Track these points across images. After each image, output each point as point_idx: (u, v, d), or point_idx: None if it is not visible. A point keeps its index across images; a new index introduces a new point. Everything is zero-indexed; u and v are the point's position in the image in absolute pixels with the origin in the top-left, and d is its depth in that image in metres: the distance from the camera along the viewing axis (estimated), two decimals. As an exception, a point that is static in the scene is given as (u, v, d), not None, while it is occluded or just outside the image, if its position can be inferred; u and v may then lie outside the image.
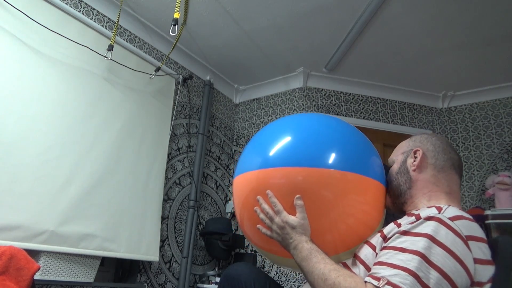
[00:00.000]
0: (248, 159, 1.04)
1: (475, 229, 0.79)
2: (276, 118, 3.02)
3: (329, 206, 0.91)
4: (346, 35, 2.41)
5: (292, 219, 0.91)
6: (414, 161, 0.99)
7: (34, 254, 1.62)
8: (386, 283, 0.73)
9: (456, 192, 0.96)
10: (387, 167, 1.08)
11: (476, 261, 0.75)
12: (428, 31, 2.33)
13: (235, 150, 3.17)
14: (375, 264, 0.81)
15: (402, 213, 1.01)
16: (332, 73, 2.90)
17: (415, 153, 0.99)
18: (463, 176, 2.80)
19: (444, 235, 0.75)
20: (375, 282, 0.74)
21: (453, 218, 0.79)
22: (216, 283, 2.46)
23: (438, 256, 0.73)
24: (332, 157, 0.93)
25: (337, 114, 2.93)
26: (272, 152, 0.97)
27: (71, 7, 2.01)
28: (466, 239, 0.76)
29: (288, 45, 2.60)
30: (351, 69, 2.83)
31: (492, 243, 0.85)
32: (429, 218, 0.80)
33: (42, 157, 1.72)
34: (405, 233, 0.80)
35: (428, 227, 0.78)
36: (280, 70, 2.94)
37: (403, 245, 0.78)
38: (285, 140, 0.98)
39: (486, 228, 2.29)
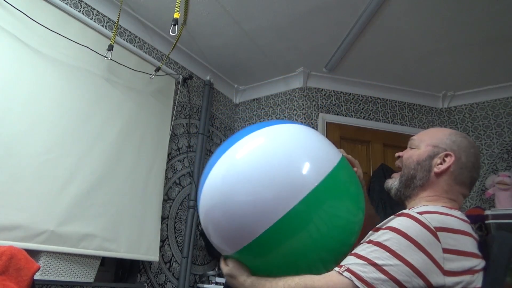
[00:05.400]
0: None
1: (449, 222, 0.79)
2: (276, 118, 3.02)
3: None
4: (346, 35, 2.41)
5: (224, 268, 0.94)
6: (441, 164, 0.93)
7: (34, 254, 1.62)
8: (346, 270, 0.77)
9: (460, 201, 0.94)
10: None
11: (447, 250, 0.75)
12: (428, 31, 2.33)
13: (235, 150, 3.16)
14: None
15: (399, 200, 1.02)
16: (332, 73, 2.90)
17: (446, 156, 0.93)
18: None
19: (409, 226, 0.77)
20: (337, 269, 0.79)
21: (422, 213, 0.80)
22: (216, 283, 2.46)
23: (401, 245, 0.75)
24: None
25: (337, 114, 2.93)
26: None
27: (71, 7, 2.01)
28: (435, 230, 0.76)
29: (288, 45, 2.60)
30: (351, 69, 2.83)
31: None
32: (398, 215, 0.82)
33: (42, 157, 1.72)
34: (376, 229, 0.83)
35: (395, 221, 0.80)
36: (280, 70, 2.94)
37: (371, 238, 0.81)
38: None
39: (486, 228, 2.29)
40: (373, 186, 2.63)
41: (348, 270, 0.76)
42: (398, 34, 2.38)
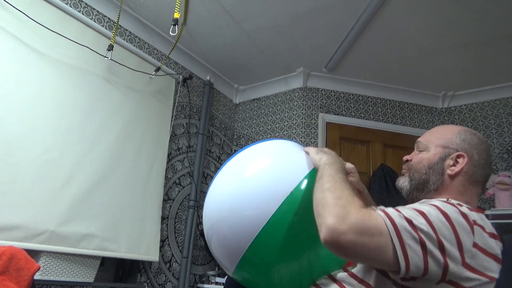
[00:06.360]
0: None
1: (485, 222, 0.79)
2: (276, 118, 3.02)
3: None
4: (346, 35, 2.41)
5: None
6: (454, 165, 0.90)
7: (34, 254, 1.62)
8: (381, 210, 0.76)
9: (475, 203, 0.92)
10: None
11: (476, 246, 0.73)
12: (428, 31, 2.33)
13: (235, 150, 3.16)
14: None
15: (411, 202, 0.99)
16: (332, 73, 2.90)
17: (458, 157, 0.90)
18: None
19: (449, 209, 0.75)
20: (372, 207, 0.79)
21: (460, 205, 0.79)
22: (216, 283, 2.46)
23: (438, 221, 0.72)
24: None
25: (337, 114, 2.93)
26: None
27: (71, 7, 2.01)
28: (472, 223, 0.75)
29: (288, 45, 2.60)
30: (351, 69, 2.83)
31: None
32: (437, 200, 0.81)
33: (42, 157, 1.72)
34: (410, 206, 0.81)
35: (435, 202, 0.78)
36: (280, 70, 2.94)
37: (407, 205, 0.79)
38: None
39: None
40: (373, 186, 2.63)
41: (384, 211, 0.75)
42: (398, 34, 2.38)
